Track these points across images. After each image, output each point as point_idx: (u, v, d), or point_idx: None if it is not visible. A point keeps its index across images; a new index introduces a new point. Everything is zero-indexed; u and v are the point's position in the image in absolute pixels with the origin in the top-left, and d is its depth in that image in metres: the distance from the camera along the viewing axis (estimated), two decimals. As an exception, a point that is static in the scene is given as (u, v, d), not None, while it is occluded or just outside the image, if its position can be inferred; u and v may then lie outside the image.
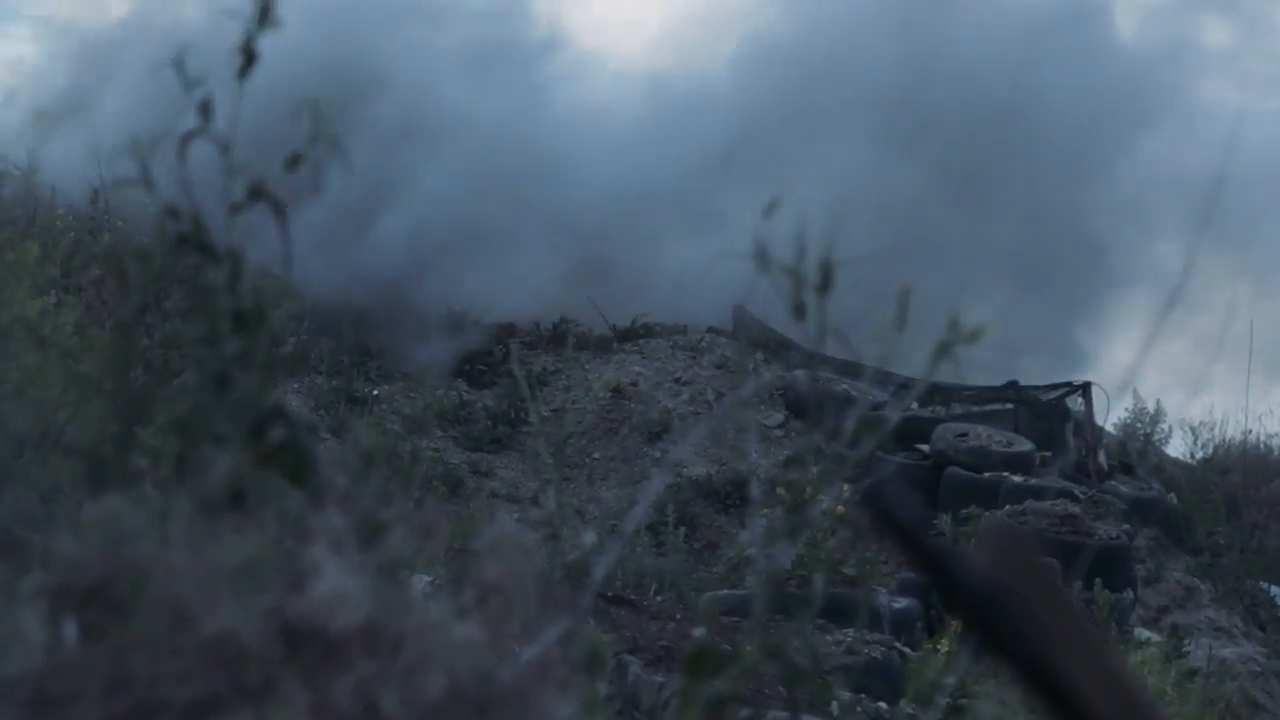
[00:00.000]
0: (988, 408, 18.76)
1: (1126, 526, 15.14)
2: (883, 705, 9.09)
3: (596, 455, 18.24)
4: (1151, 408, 20.04)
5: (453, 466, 17.47)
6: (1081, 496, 15.64)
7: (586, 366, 20.08)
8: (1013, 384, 19.24)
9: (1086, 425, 18.84)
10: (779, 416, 18.32)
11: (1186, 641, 13.80)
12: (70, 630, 1.35)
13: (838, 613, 9.85)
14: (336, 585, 1.32)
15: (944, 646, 8.13)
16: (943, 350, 1.61)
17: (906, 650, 10.72)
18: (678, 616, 10.92)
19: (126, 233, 12.77)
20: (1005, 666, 1.18)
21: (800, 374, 16.96)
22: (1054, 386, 19.48)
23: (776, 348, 17.34)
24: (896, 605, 12.20)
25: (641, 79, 23.61)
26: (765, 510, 1.81)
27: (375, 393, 18.59)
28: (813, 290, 1.63)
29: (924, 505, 15.70)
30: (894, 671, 10.29)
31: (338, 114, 1.63)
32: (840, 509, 1.89)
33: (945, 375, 1.72)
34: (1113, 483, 18.20)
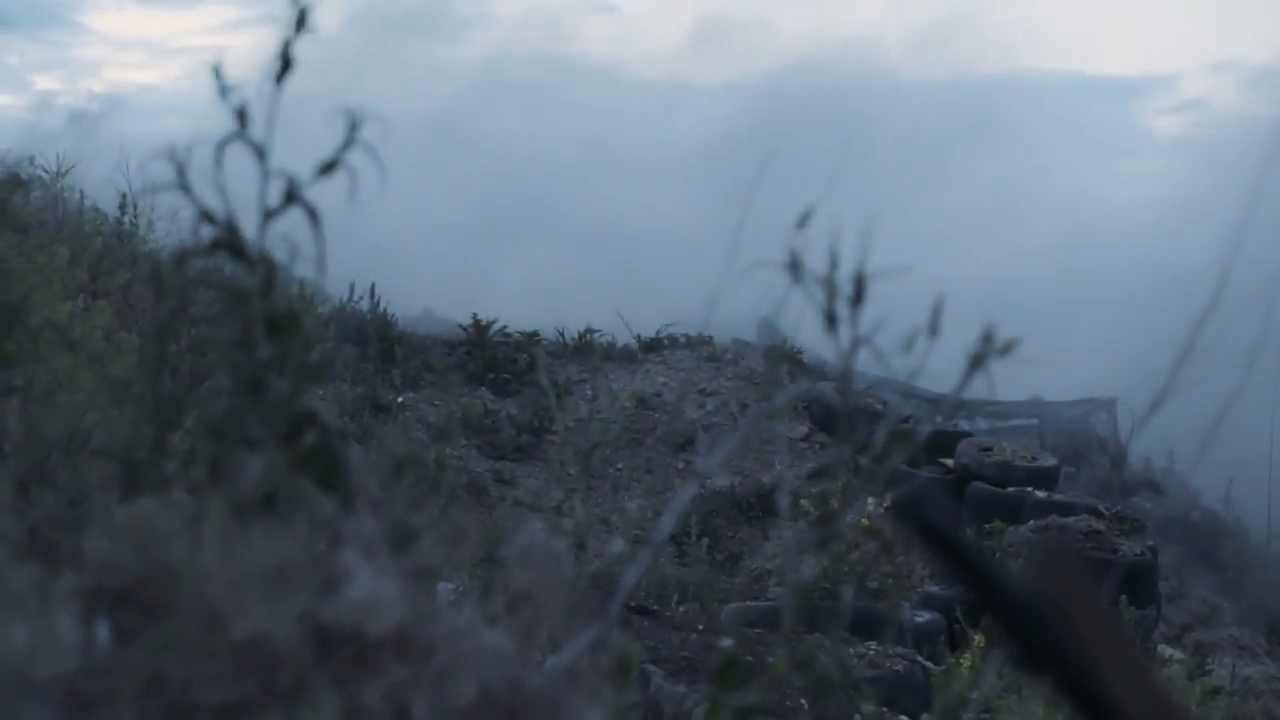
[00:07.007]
0: (1012, 422, 18.70)
1: (1150, 543, 15.08)
2: (905, 719, 9.08)
3: (621, 465, 18.23)
4: (1177, 426, 19.95)
5: (477, 475, 17.47)
6: (1106, 513, 15.57)
7: (611, 376, 20.08)
8: (1037, 399, 19.19)
9: (1111, 441, 18.78)
10: (803, 429, 18.29)
11: (1209, 659, 13.74)
12: (103, 632, 1.35)
13: (861, 626, 9.84)
14: (368, 590, 1.33)
15: (967, 660, 8.11)
16: (976, 363, 1.61)
17: (929, 664, 10.70)
18: (700, 627, 10.92)
19: (158, 237, 12.84)
20: (1044, 678, 1.18)
21: (827, 386, 16.93)
22: (1079, 402, 19.43)
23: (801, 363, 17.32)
24: (919, 619, 12.17)
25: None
26: (791, 521, 1.81)
27: (400, 400, 18.60)
28: (845, 301, 1.63)
29: (957, 516, 15.63)
30: (917, 685, 10.27)
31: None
32: (865, 522, 1.89)
33: (976, 389, 1.71)
34: (1137, 499, 18.15)
